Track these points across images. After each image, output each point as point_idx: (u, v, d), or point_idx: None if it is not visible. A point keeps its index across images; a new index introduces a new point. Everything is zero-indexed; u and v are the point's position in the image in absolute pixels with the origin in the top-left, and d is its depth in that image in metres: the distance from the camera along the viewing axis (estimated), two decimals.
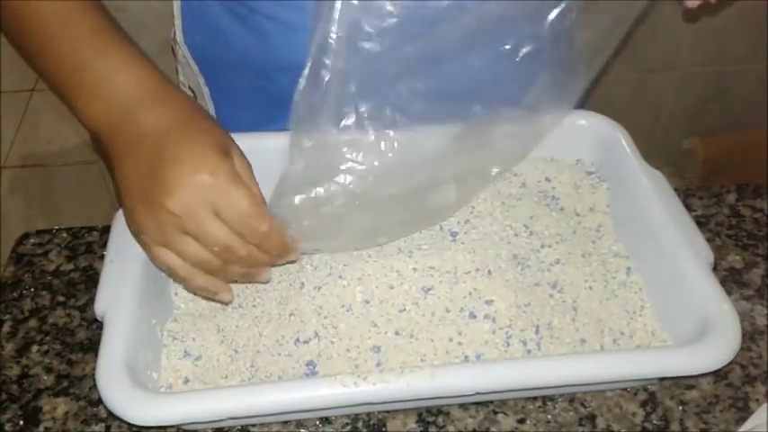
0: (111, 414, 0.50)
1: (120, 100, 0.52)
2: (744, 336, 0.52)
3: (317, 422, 0.55)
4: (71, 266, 0.66)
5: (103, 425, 0.56)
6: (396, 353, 0.54)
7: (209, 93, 0.76)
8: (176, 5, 0.71)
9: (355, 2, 0.49)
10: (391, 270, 0.57)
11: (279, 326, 0.56)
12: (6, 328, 0.62)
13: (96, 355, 0.51)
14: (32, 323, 0.62)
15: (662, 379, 0.57)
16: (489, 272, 0.57)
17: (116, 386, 0.49)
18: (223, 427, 0.55)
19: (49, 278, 0.66)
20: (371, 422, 0.56)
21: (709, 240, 0.60)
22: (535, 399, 0.56)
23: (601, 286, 0.59)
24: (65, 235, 0.69)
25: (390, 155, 0.53)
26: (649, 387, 0.57)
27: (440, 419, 0.56)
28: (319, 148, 0.52)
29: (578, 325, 0.56)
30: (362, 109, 0.52)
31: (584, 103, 0.69)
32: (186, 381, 0.55)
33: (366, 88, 0.52)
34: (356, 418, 0.56)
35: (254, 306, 0.58)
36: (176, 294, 0.60)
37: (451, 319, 0.55)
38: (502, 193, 0.64)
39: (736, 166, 1.52)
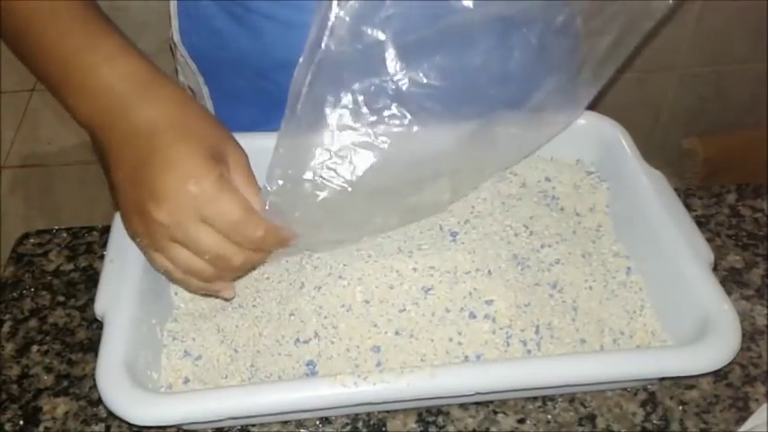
0: (111, 414, 0.50)
1: (107, 93, 0.51)
2: (744, 336, 0.52)
3: (317, 422, 0.55)
4: (71, 266, 0.66)
5: (103, 425, 0.56)
6: (396, 353, 0.54)
7: (208, 92, 0.76)
8: (173, 6, 0.71)
9: None
10: (391, 270, 0.57)
11: (279, 326, 0.56)
12: (6, 328, 0.62)
13: (96, 355, 0.51)
14: (32, 323, 0.62)
15: (662, 379, 0.57)
16: (489, 272, 0.57)
17: (116, 386, 0.49)
18: (223, 427, 0.55)
19: (49, 278, 0.66)
20: (371, 422, 0.56)
21: (709, 240, 0.60)
22: (535, 399, 0.56)
23: (601, 286, 0.59)
24: (65, 235, 0.69)
25: (385, 146, 0.52)
26: (649, 387, 0.57)
27: (440, 419, 0.56)
28: (311, 136, 0.51)
29: (578, 325, 0.56)
30: (359, 98, 0.51)
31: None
32: (186, 381, 0.55)
33: (364, 77, 0.51)
34: (356, 418, 0.56)
35: (254, 306, 0.58)
36: (176, 294, 0.60)
37: (451, 319, 0.55)
38: (502, 193, 0.64)
39: (736, 166, 1.52)
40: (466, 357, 0.54)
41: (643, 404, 0.56)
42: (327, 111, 0.51)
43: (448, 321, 0.55)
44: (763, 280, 0.64)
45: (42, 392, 0.58)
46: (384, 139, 0.52)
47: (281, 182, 0.51)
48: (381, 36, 0.50)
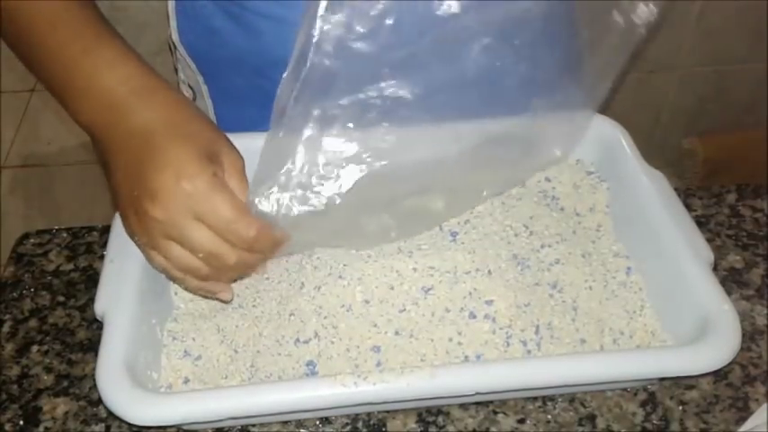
0: (111, 414, 0.50)
1: (108, 98, 0.52)
2: (744, 336, 0.52)
3: (317, 422, 0.55)
4: (71, 266, 0.66)
5: (103, 425, 0.56)
6: (396, 353, 0.54)
7: (207, 91, 0.76)
8: (171, 6, 0.71)
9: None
10: (391, 270, 0.57)
11: (279, 326, 0.56)
12: (6, 328, 0.62)
13: (96, 355, 0.51)
14: (32, 323, 0.62)
15: (662, 379, 0.57)
16: (489, 272, 0.57)
17: (116, 386, 0.49)
18: (223, 427, 0.55)
19: (49, 278, 0.66)
20: (371, 422, 0.56)
21: (709, 240, 0.60)
22: (535, 399, 0.56)
23: (601, 286, 0.59)
24: (65, 235, 0.69)
25: (371, 160, 0.52)
26: (649, 387, 0.57)
27: (440, 419, 0.56)
28: (297, 143, 0.52)
29: (578, 325, 0.56)
30: (346, 109, 0.51)
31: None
32: (186, 381, 0.55)
33: (352, 87, 0.52)
34: (356, 418, 0.56)
35: (254, 306, 0.58)
36: (176, 294, 0.60)
37: (451, 319, 0.55)
38: (502, 193, 0.64)
39: (736, 166, 1.52)
40: (466, 357, 0.54)
41: (643, 404, 0.56)
42: (311, 124, 0.51)
43: (448, 321, 0.55)
44: (763, 280, 0.64)
45: (42, 392, 0.58)
46: (371, 152, 0.52)
47: (267, 191, 0.52)
48: (368, 49, 0.50)
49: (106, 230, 0.61)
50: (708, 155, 1.58)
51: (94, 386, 0.52)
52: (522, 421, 0.55)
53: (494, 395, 0.56)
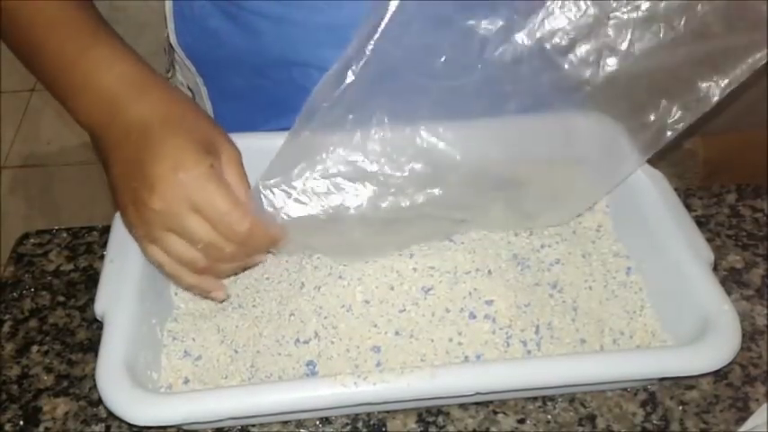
0: (111, 414, 0.50)
1: (105, 95, 0.53)
2: (744, 336, 0.52)
3: (317, 422, 0.55)
4: (71, 266, 0.66)
5: (103, 425, 0.56)
6: (396, 353, 0.54)
7: (206, 92, 0.76)
8: (168, 7, 0.71)
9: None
10: (391, 270, 0.57)
11: (279, 326, 0.56)
12: (6, 328, 0.62)
13: (96, 355, 0.51)
14: (32, 323, 0.62)
15: (662, 379, 0.57)
16: (489, 272, 0.57)
17: (116, 386, 0.49)
18: (223, 427, 0.55)
19: (49, 278, 0.66)
20: (371, 422, 0.56)
21: (709, 240, 0.60)
22: (535, 399, 0.56)
23: (601, 286, 0.59)
24: (65, 235, 0.69)
25: (383, 178, 0.52)
26: (649, 387, 0.57)
27: (440, 419, 0.56)
28: (320, 147, 0.52)
29: (578, 325, 0.56)
30: (373, 117, 0.51)
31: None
32: (186, 381, 0.55)
33: (383, 96, 0.52)
34: (356, 418, 0.56)
35: (254, 306, 0.58)
36: (176, 294, 0.60)
37: (451, 319, 0.55)
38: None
39: (736, 166, 1.51)
40: (466, 357, 0.54)
41: (643, 404, 0.56)
42: (339, 132, 0.51)
43: (448, 321, 0.55)
44: (763, 280, 0.64)
45: (42, 392, 0.58)
46: (389, 174, 0.52)
47: (275, 185, 0.52)
48: (402, 56, 0.50)
49: (106, 230, 0.61)
50: (708, 155, 1.57)
51: (94, 386, 0.52)
52: (522, 421, 0.55)
53: (494, 395, 0.56)
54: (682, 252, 0.56)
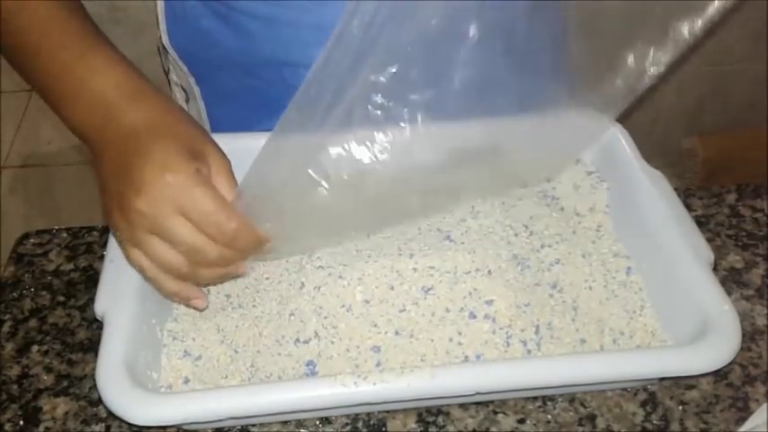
0: (111, 414, 0.50)
1: (98, 103, 0.53)
2: (744, 336, 0.52)
3: (317, 422, 0.55)
4: (71, 266, 0.67)
5: (103, 425, 0.56)
6: (396, 353, 0.54)
7: (200, 93, 0.76)
8: (160, 7, 0.72)
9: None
10: (391, 270, 0.57)
11: (279, 326, 0.56)
12: (6, 328, 0.62)
13: (96, 355, 0.51)
14: (32, 323, 0.62)
15: (662, 379, 0.57)
16: (489, 272, 0.57)
17: (116, 386, 0.49)
18: (223, 427, 0.55)
19: (49, 278, 0.66)
20: (371, 422, 0.56)
21: (709, 240, 0.60)
22: (535, 399, 0.56)
23: (601, 286, 0.59)
24: (65, 235, 0.69)
25: (371, 162, 0.52)
26: (649, 387, 0.57)
27: (440, 419, 0.56)
28: (303, 144, 0.52)
29: (578, 325, 0.56)
30: (355, 111, 0.51)
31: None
32: (186, 381, 0.55)
33: (367, 91, 0.52)
34: (356, 418, 0.56)
35: (254, 306, 0.58)
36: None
37: (451, 319, 0.55)
38: (502, 193, 0.64)
39: (736, 166, 1.52)
40: (466, 357, 0.54)
41: (643, 404, 0.56)
42: (323, 122, 0.51)
43: (448, 321, 0.55)
44: (763, 280, 0.64)
45: (42, 392, 0.58)
46: (370, 156, 0.52)
47: (255, 186, 0.52)
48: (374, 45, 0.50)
49: (106, 230, 0.62)
50: (708, 155, 1.58)
51: (94, 386, 0.52)
52: (522, 421, 0.55)
53: (494, 395, 0.56)
54: (682, 252, 0.56)
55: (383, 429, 0.55)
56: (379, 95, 0.51)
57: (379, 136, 0.52)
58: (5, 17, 0.55)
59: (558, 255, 0.60)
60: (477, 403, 0.56)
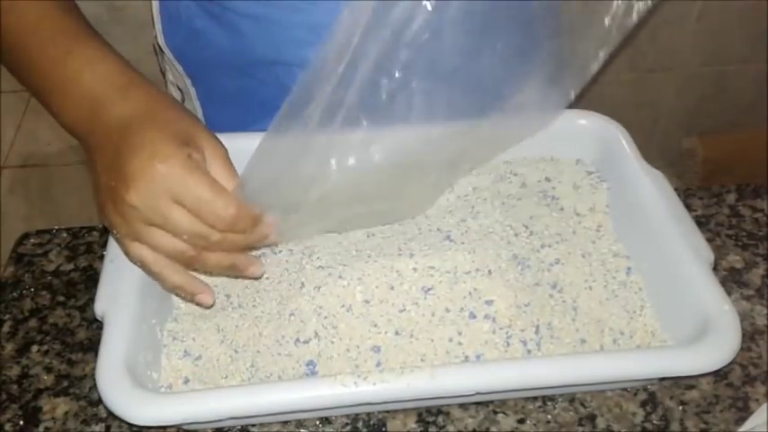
0: (111, 414, 0.50)
1: (88, 96, 0.52)
2: (744, 336, 0.52)
3: (317, 422, 0.55)
4: (71, 266, 0.66)
5: (103, 425, 0.56)
6: (396, 353, 0.54)
7: (195, 93, 0.76)
8: (155, 7, 0.72)
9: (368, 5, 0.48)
10: (391, 270, 0.57)
11: (279, 326, 0.56)
12: (6, 328, 0.62)
13: (96, 355, 0.51)
14: (32, 323, 0.62)
15: (662, 379, 0.57)
16: (489, 272, 0.57)
17: (116, 386, 0.49)
18: (223, 427, 0.55)
19: (49, 278, 0.66)
20: (371, 422, 0.56)
21: (709, 240, 0.60)
22: (535, 399, 0.56)
23: (601, 286, 0.59)
24: (65, 235, 0.69)
25: (367, 154, 0.52)
26: (649, 387, 0.57)
27: (440, 419, 0.56)
28: (300, 139, 0.52)
29: (578, 325, 0.56)
30: (350, 107, 0.51)
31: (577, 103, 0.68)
32: (186, 381, 0.55)
33: (358, 87, 0.51)
34: (356, 418, 0.56)
35: (254, 306, 0.58)
36: (177, 294, 0.60)
37: (451, 319, 0.55)
38: (502, 193, 0.64)
39: (736, 166, 1.52)
40: (466, 357, 0.54)
41: (643, 404, 0.56)
42: (319, 117, 0.51)
43: (448, 321, 0.55)
44: (763, 280, 0.64)
45: (42, 392, 0.58)
46: (366, 148, 0.52)
47: (256, 180, 0.52)
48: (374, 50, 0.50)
49: (106, 230, 0.61)
50: (708, 155, 1.57)
51: (94, 386, 0.52)
52: (522, 421, 0.55)
53: (494, 395, 0.56)
54: (682, 252, 0.56)
55: (383, 429, 0.55)
56: (374, 94, 0.51)
57: (375, 134, 0.52)
58: None
59: (558, 255, 0.60)
60: (477, 403, 0.56)
